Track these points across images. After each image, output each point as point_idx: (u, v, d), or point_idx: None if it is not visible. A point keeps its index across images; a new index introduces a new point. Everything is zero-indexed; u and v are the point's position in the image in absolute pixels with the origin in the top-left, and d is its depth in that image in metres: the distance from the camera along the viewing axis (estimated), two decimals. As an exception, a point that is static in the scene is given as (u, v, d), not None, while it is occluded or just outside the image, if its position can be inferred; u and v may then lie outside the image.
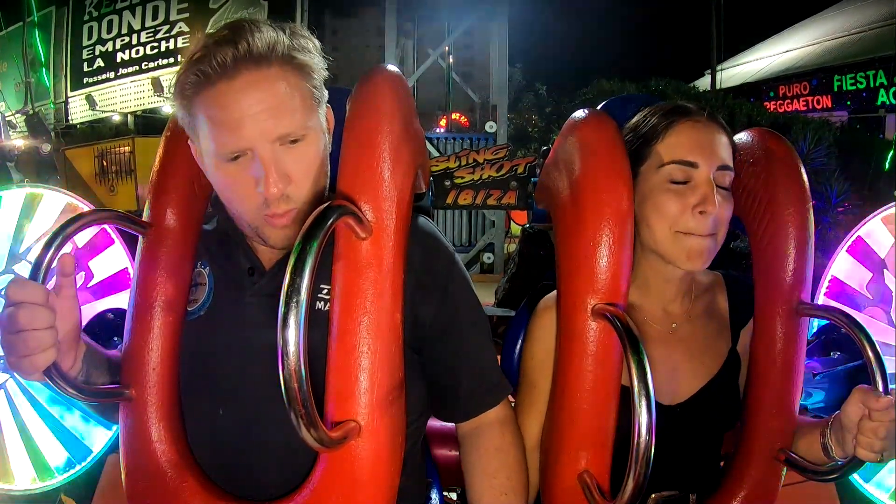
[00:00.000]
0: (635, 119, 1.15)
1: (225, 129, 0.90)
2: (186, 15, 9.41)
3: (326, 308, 0.94)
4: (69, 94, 10.46)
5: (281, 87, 0.91)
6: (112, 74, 10.07)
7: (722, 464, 1.20)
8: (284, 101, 0.91)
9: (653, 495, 1.10)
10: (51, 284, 0.88)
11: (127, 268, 1.99)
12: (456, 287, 1.04)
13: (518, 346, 1.32)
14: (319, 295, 0.97)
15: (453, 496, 1.96)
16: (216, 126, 0.91)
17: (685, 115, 1.08)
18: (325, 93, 1.00)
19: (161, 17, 9.60)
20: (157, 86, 9.14)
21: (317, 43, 0.98)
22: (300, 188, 0.94)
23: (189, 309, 1.03)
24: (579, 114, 1.11)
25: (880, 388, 0.95)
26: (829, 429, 1.03)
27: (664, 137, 1.08)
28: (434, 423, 1.14)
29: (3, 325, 0.84)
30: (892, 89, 9.23)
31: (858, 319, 1.04)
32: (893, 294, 1.86)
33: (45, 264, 0.85)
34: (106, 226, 1.92)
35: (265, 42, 0.90)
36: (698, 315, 1.18)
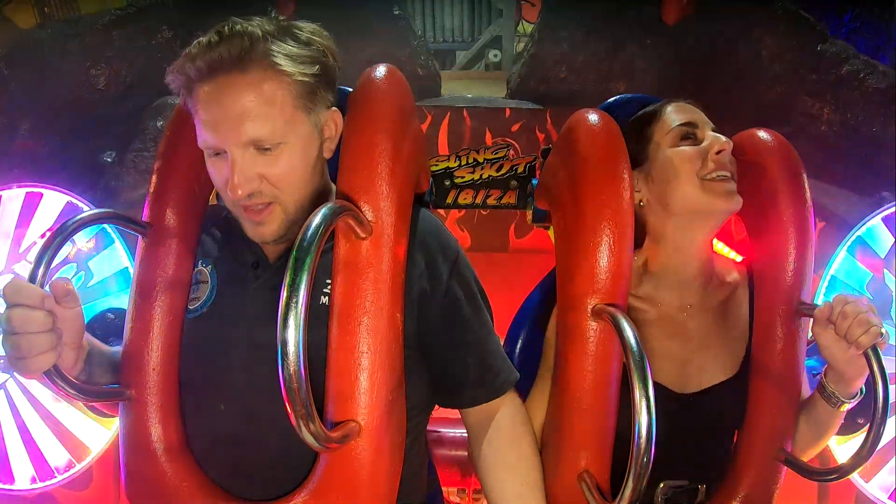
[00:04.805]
0: (635, 104, 1.23)
1: (205, 127, 0.94)
2: None
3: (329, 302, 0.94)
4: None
5: (256, 92, 0.91)
6: None
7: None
8: (259, 108, 0.91)
9: (661, 484, 1.10)
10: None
11: (127, 268, 1.99)
12: (461, 278, 1.04)
13: (522, 337, 1.31)
14: (324, 290, 0.97)
15: (452, 494, 1.97)
16: (199, 123, 0.95)
17: (672, 99, 1.19)
18: (326, 96, 0.99)
19: None
20: None
21: (322, 42, 0.98)
22: (277, 187, 0.95)
23: (190, 307, 1.03)
24: (580, 114, 1.11)
25: (880, 391, 0.95)
26: (825, 380, 1.07)
27: (662, 115, 1.15)
28: (434, 423, 1.14)
29: (1, 326, 0.84)
30: None
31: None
32: (893, 294, 1.86)
33: (44, 264, 0.85)
34: (106, 226, 1.92)
35: (243, 47, 0.90)
36: (715, 306, 1.17)
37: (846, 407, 1.07)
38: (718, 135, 1.10)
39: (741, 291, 1.20)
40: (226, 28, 0.92)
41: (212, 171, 0.98)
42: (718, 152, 1.08)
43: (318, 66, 0.96)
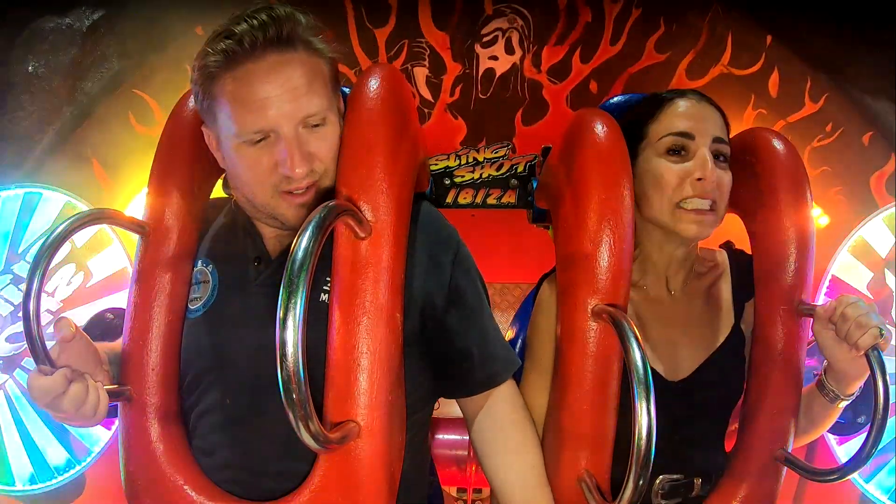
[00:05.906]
0: (634, 104, 1.19)
1: (249, 108, 0.92)
2: None
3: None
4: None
5: (304, 70, 0.94)
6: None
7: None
8: (308, 84, 0.94)
9: (659, 479, 1.10)
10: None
11: (127, 267, 1.99)
12: (463, 269, 1.04)
13: (522, 337, 1.31)
14: (324, 287, 0.97)
15: (452, 493, 1.97)
16: (240, 105, 0.93)
17: (678, 95, 1.13)
18: (340, 81, 1.02)
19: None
20: None
21: (319, 27, 1.00)
22: (325, 164, 0.97)
23: (192, 307, 1.03)
24: (581, 114, 1.12)
25: (881, 392, 0.95)
26: (825, 377, 1.08)
27: (660, 114, 1.11)
28: (433, 424, 1.14)
29: (53, 414, 0.89)
30: None
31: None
32: (893, 294, 1.86)
33: (42, 265, 0.85)
34: (105, 226, 1.92)
35: (290, 26, 0.93)
36: (700, 292, 1.18)
37: (843, 404, 1.08)
38: (708, 156, 1.06)
39: (724, 277, 1.20)
40: (275, 11, 0.93)
41: (245, 163, 0.96)
42: (699, 179, 1.05)
43: (332, 48, 1.00)
